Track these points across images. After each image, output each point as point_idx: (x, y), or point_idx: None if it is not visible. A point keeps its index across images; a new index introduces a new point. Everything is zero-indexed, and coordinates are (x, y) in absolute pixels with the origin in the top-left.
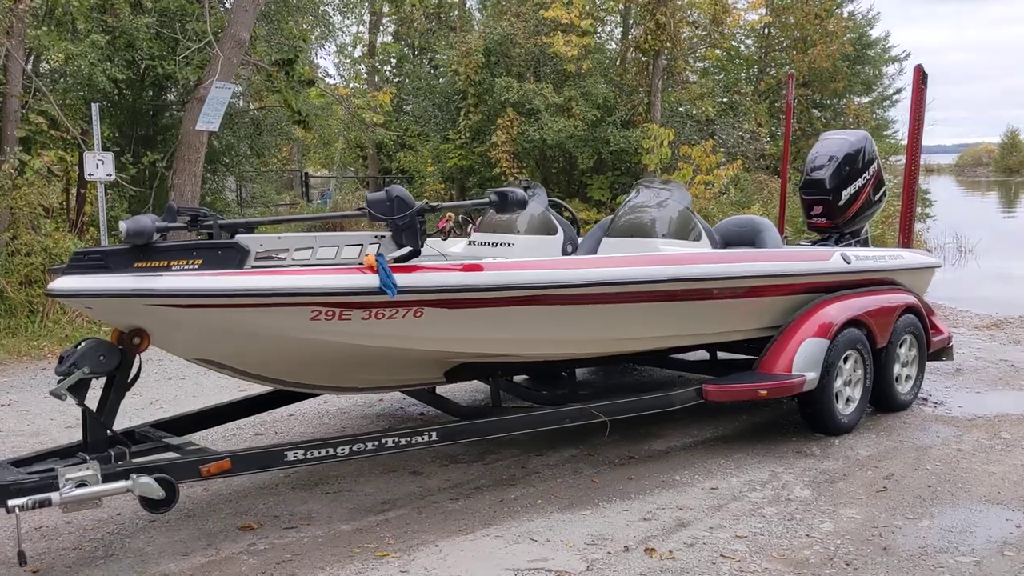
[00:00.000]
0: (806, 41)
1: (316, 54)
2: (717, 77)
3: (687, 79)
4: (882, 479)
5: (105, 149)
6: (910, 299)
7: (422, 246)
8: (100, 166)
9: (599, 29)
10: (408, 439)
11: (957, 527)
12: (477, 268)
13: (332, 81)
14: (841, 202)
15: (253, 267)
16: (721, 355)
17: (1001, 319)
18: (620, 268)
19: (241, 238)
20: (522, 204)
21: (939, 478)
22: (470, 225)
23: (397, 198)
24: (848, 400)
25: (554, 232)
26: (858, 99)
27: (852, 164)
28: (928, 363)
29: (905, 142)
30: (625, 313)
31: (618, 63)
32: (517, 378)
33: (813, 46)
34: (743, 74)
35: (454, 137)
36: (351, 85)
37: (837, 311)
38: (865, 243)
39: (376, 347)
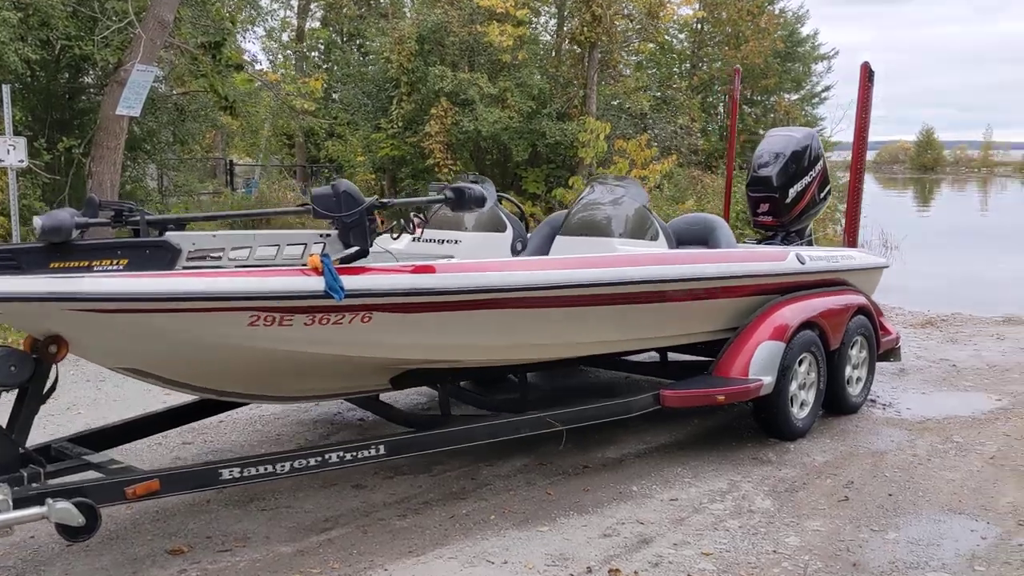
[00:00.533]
0: (738, 37)
1: (244, 38)
2: (651, 72)
3: (622, 73)
4: (842, 487)
5: (17, 134)
6: (861, 300)
7: (371, 245)
8: (11, 151)
9: (534, 20)
10: (354, 454)
11: (924, 540)
12: (429, 270)
13: (260, 66)
14: (787, 200)
15: (185, 268)
16: (672, 356)
17: (934, 316)
18: (580, 270)
19: (171, 236)
20: (480, 202)
21: (899, 486)
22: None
23: (344, 193)
24: (803, 404)
25: (503, 229)
26: (788, 96)
27: (799, 162)
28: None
29: (833, 139)
30: (583, 316)
31: (553, 55)
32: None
33: (746, 42)
34: (676, 69)
35: (386, 126)
36: (280, 71)
37: (792, 313)
38: (810, 242)
39: (320, 354)
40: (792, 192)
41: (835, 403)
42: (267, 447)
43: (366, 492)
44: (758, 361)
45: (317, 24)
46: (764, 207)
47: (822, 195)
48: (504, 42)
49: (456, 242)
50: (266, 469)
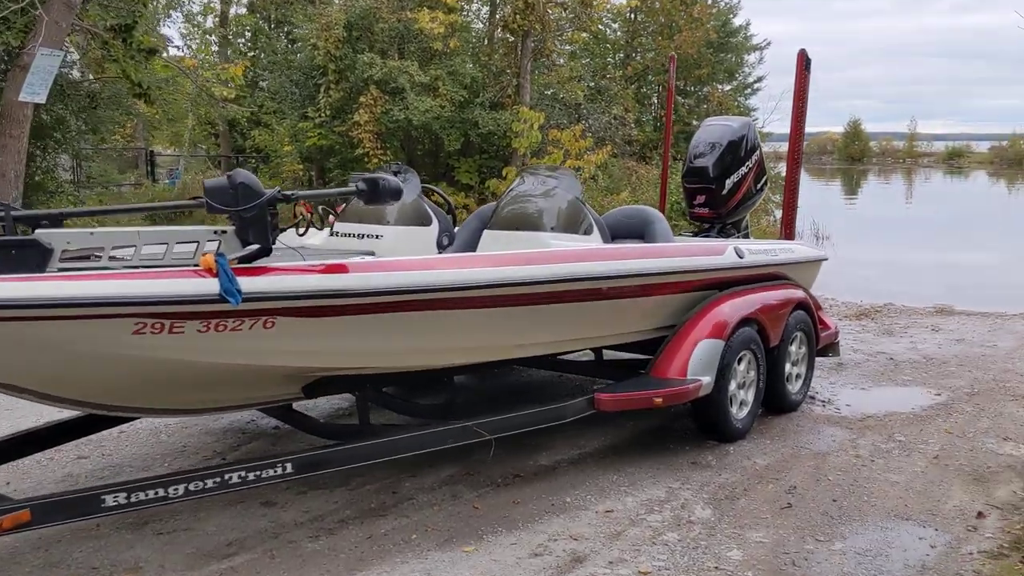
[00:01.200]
0: (672, 27)
1: (163, 23)
2: (584, 61)
3: (555, 62)
4: (785, 493)
5: None
6: (800, 294)
7: (274, 242)
8: None
9: (466, 7)
10: (257, 473)
11: (872, 550)
12: (341, 269)
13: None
14: (724, 191)
15: (59, 270)
16: (609, 355)
17: (868, 307)
18: (507, 268)
19: (43, 234)
20: (396, 194)
21: (843, 490)
22: (331, 215)
23: (242, 184)
24: (742, 404)
25: (428, 223)
26: (721, 87)
27: (735, 152)
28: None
29: (765, 129)
30: (512, 317)
31: (486, 43)
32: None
33: (679, 32)
34: (610, 59)
35: (313, 115)
36: (199, 57)
37: (731, 309)
38: (746, 234)
39: (217, 364)
40: (728, 183)
41: (775, 401)
42: (170, 461)
43: (276, 510)
44: (697, 360)
45: (243, 10)
46: (700, 198)
47: (759, 186)
48: (435, 29)
49: (377, 237)
50: (156, 493)
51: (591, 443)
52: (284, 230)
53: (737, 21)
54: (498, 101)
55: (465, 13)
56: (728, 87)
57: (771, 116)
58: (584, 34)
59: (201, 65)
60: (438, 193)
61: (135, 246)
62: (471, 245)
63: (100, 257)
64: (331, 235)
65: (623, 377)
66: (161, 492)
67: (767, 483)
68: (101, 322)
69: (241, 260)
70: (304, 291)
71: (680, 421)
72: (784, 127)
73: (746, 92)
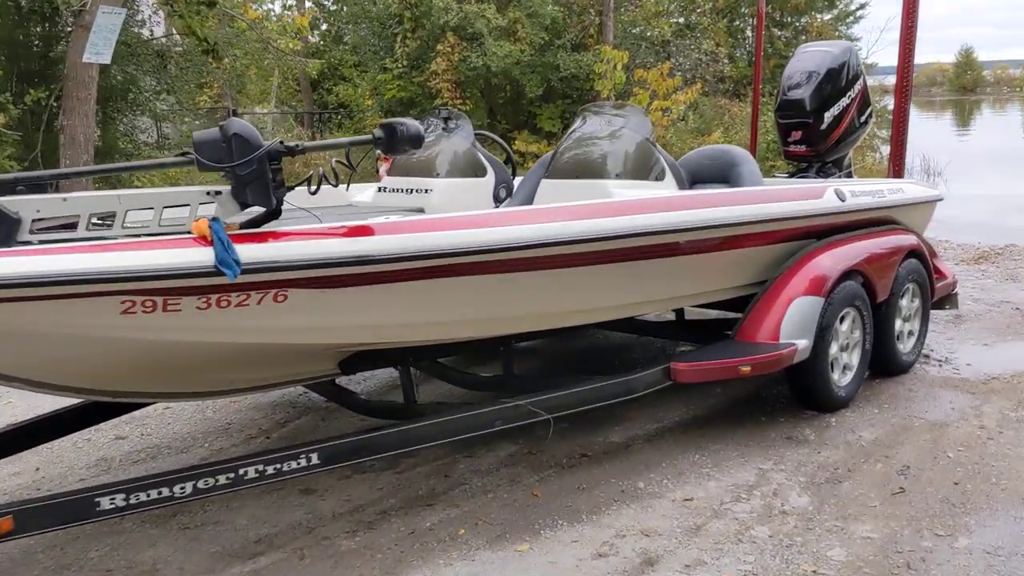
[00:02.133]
0: None
1: None
2: None
3: None
4: (896, 475)
5: None
6: (912, 241)
7: (280, 203)
8: None
9: None
10: (278, 466)
11: (1006, 547)
12: (366, 232)
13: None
14: (823, 126)
15: (29, 243)
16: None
17: (988, 249)
18: (559, 223)
19: (7, 201)
20: (416, 141)
21: (966, 471)
22: (381, 166)
23: (236, 136)
24: (845, 368)
25: (483, 173)
26: (820, 16)
27: (835, 81)
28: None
29: (869, 61)
30: (571, 279)
31: None
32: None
33: None
34: None
35: (391, 66)
36: (265, 6)
37: (832, 261)
38: (849, 174)
39: (225, 343)
40: (828, 116)
41: (884, 363)
42: (212, 440)
43: (314, 499)
44: (791, 321)
45: None
46: (796, 135)
47: (862, 119)
48: None
49: (426, 191)
50: (160, 493)
51: (671, 415)
52: (292, 188)
53: None
54: (580, 42)
55: None
56: (828, 16)
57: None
58: None
59: (266, 16)
60: (495, 140)
61: (115, 212)
62: (531, 197)
63: (76, 226)
64: (379, 191)
65: (709, 340)
66: (166, 492)
67: (875, 462)
68: (85, 301)
69: (245, 225)
70: (320, 258)
71: (775, 387)
72: (889, 58)
73: (848, 21)
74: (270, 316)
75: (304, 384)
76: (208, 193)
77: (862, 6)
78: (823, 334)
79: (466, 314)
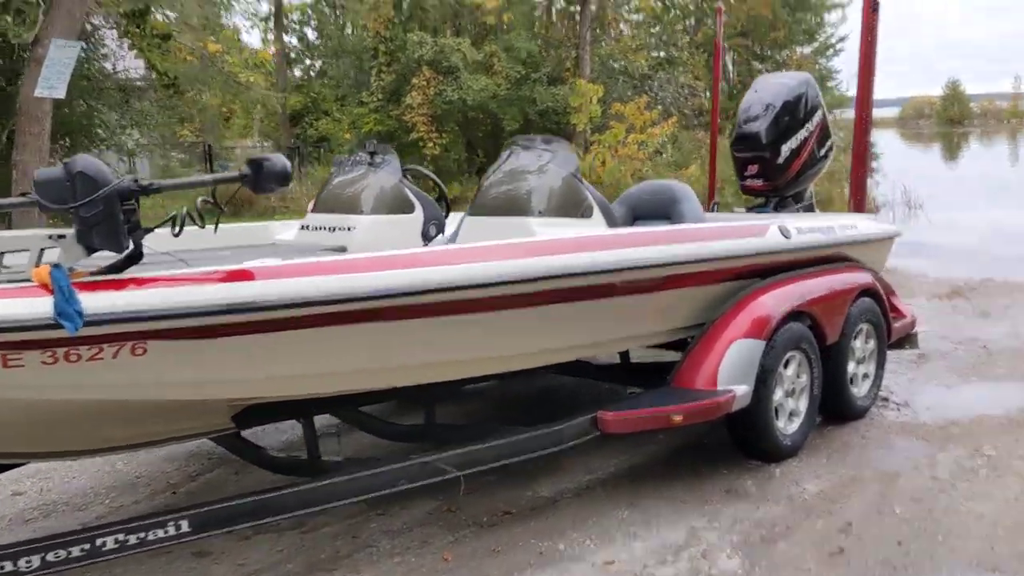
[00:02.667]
0: None
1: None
2: (653, 29)
3: (620, 32)
4: (837, 533)
5: None
6: (866, 279)
7: (132, 247)
8: None
9: None
10: (141, 535)
11: None
12: (244, 277)
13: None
14: (780, 159)
15: None
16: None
17: (962, 284)
18: (463, 265)
19: None
20: (282, 178)
21: (912, 529)
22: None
23: (80, 174)
24: (792, 415)
25: (411, 210)
26: (801, 49)
27: (792, 113)
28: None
29: (852, 93)
30: (480, 325)
31: (544, 16)
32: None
33: None
34: (679, 26)
35: (368, 100)
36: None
37: (775, 302)
38: (810, 208)
39: (80, 400)
40: (785, 150)
41: (836, 408)
42: (115, 496)
43: (207, 563)
44: (729, 366)
45: None
46: (752, 168)
47: (823, 152)
48: (489, 3)
49: (349, 228)
50: (1, 569)
51: (607, 464)
52: (150, 230)
53: None
54: (557, 76)
55: None
56: (808, 49)
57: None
58: (652, 1)
59: (229, 51)
60: (427, 175)
61: None
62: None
63: None
64: (302, 228)
65: (656, 384)
66: (8, 567)
67: (817, 518)
68: None
69: (108, 270)
70: (183, 307)
71: (721, 432)
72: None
73: (828, 54)
74: (128, 371)
75: (204, 438)
76: (51, 237)
77: (842, 39)
78: (765, 379)
79: (363, 364)
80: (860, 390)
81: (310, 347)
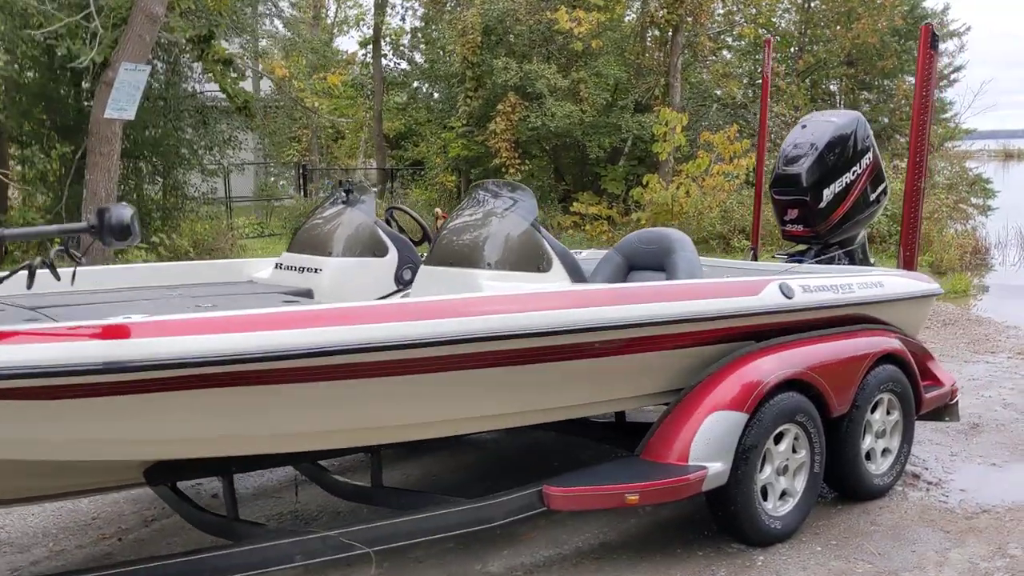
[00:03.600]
0: (850, 15)
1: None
2: (757, 57)
3: (714, 58)
4: None
5: (11, 139)
6: (889, 343)
7: None
8: None
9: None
10: None
11: None
12: (120, 333)
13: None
14: (822, 204)
15: None
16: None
17: None
18: (368, 326)
19: None
20: (119, 232)
21: None
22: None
23: None
24: (784, 495)
25: (383, 253)
26: (911, 79)
27: (837, 155)
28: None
29: (967, 125)
30: (410, 389)
31: (635, 41)
32: None
33: (858, 19)
34: (780, 53)
35: (455, 124)
36: (292, 67)
37: (765, 368)
38: (864, 256)
39: None
40: (828, 194)
41: (848, 487)
42: (64, 538)
43: None
44: (704, 440)
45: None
46: (792, 212)
47: (875, 195)
48: (576, 29)
49: (317, 271)
50: None
51: (576, 538)
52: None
53: (930, 4)
54: (645, 103)
55: (613, 10)
56: None
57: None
58: (758, 28)
59: (294, 75)
60: (411, 216)
61: None
62: None
63: None
64: (276, 268)
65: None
66: None
67: None
68: None
69: None
70: (26, 368)
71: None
72: (987, 123)
73: (941, 84)
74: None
75: (127, 490)
76: None
77: (956, 69)
78: (746, 456)
79: (240, 429)
80: (878, 467)
81: (179, 409)
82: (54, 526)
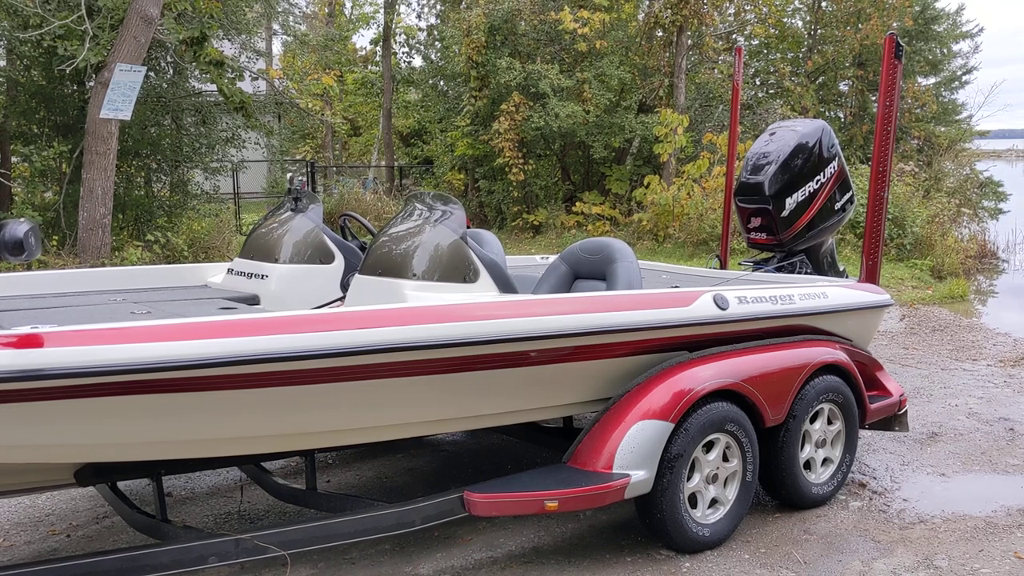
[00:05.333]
0: (860, 16)
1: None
2: (772, 57)
3: (715, 59)
4: None
5: (13, 137)
6: (831, 354)
7: None
8: None
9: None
10: None
11: None
12: (32, 343)
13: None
14: (784, 212)
15: None
16: None
17: None
18: (286, 336)
19: None
20: (15, 248)
21: None
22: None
23: None
24: (715, 502)
25: (329, 260)
26: (922, 80)
27: (801, 163)
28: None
29: (979, 127)
30: (326, 397)
31: (642, 41)
32: None
33: (867, 20)
34: (792, 54)
35: (461, 123)
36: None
37: (692, 379)
38: (822, 265)
39: None
40: (790, 203)
41: (785, 495)
42: (15, 534)
43: None
44: (628, 449)
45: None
46: (756, 221)
47: (840, 203)
48: (580, 30)
49: (263, 277)
50: None
51: (511, 541)
52: None
53: (943, 3)
54: (649, 104)
55: (620, 11)
56: (931, 81)
57: (981, 111)
58: (769, 28)
59: (289, 75)
60: (362, 223)
61: None
62: None
63: None
64: (228, 272)
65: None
66: None
67: None
68: None
69: None
70: None
71: None
72: (999, 123)
73: (953, 86)
74: None
75: (59, 489)
76: None
77: (968, 71)
78: (672, 464)
79: (182, 434)
80: (818, 476)
81: (107, 415)
82: (7, 521)
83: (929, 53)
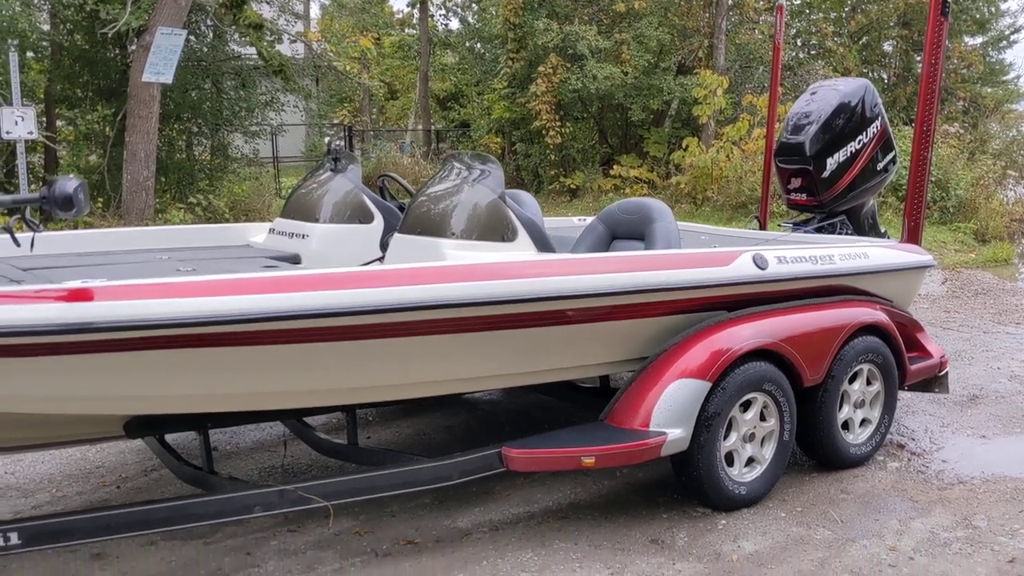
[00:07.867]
0: None
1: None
2: (815, 17)
3: (765, 19)
4: None
5: (58, 101)
6: (870, 315)
7: None
8: (20, 123)
9: None
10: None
11: None
12: (82, 297)
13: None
14: (825, 172)
15: None
16: None
17: None
18: (307, 294)
19: None
20: (62, 203)
21: None
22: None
23: None
24: (752, 461)
25: (369, 220)
26: (970, 39)
27: (842, 122)
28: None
29: None
30: (371, 351)
31: (681, 2)
32: None
33: None
34: (835, 13)
35: (497, 86)
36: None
37: (730, 338)
38: (863, 226)
39: None
40: (831, 163)
41: (823, 455)
42: (64, 486)
43: (96, 566)
44: (665, 407)
45: None
46: (795, 182)
47: (883, 164)
48: None
49: (304, 236)
50: None
51: (549, 496)
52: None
53: None
54: (688, 65)
55: None
56: (978, 40)
57: None
58: None
59: (327, 38)
60: (400, 183)
61: None
62: None
63: None
64: (270, 232)
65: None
66: None
67: None
68: None
69: None
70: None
71: None
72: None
73: (1001, 45)
74: None
75: (110, 441)
76: None
77: (1017, 29)
78: (709, 423)
79: (218, 388)
80: (855, 436)
81: (154, 368)
82: (59, 473)
83: (976, 11)
